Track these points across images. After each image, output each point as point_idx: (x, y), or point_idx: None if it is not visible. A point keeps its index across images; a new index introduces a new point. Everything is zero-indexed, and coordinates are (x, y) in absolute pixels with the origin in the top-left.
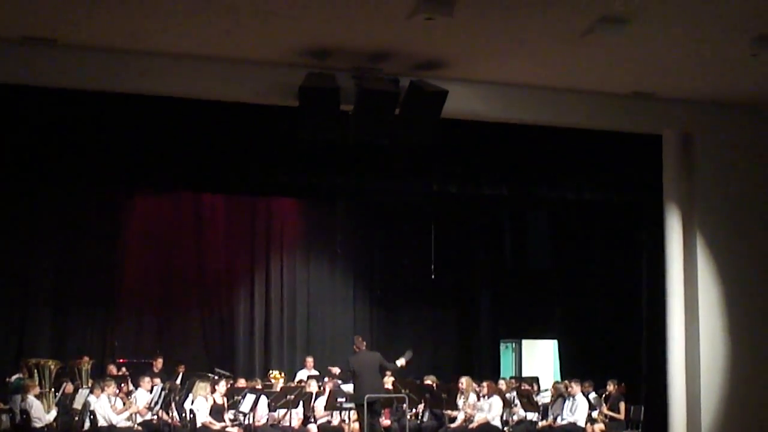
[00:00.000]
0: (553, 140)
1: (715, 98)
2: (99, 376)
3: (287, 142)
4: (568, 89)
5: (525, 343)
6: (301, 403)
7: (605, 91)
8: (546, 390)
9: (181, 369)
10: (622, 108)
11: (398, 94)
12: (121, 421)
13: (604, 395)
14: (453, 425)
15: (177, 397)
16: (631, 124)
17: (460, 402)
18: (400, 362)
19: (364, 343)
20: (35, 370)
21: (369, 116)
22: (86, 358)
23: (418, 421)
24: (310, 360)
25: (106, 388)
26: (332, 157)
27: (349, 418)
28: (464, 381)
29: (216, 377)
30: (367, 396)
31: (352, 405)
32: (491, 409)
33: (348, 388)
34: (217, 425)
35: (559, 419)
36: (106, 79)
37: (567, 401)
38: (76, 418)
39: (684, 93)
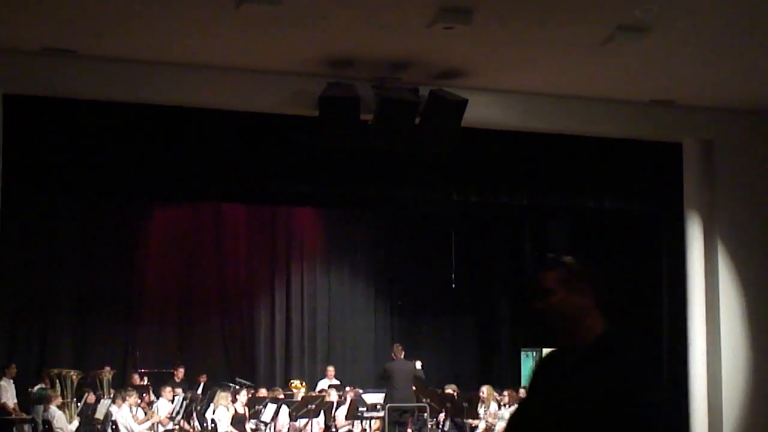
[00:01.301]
0: (573, 149)
1: (735, 105)
2: (120, 386)
3: (307, 151)
4: (587, 98)
5: (545, 351)
6: (322, 412)
7: (625, 100)
8: None
9: (203, 379)
10: (642, 116)
11: (418, 104)
12: (142, 431)
13: None
14: None
15: (198, 407)
16: (651, 132)
17: (481, 411)
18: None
19: (403, 351)
20: (57, 381)
21: (389, 125)
22: (108, 368)
23: (440, 430)
24: (331, 369)
25: (127, 398)
26: (352, 166)
27: (370, 427)
28: (485, 390)
29: (237, 387)
30: (388, 406)
31: (373, 414)
32: None
33: (369, 397)
34: None
35: None
36: (126, 90)
37: None
38: (98, 428)
39: (704, 100)
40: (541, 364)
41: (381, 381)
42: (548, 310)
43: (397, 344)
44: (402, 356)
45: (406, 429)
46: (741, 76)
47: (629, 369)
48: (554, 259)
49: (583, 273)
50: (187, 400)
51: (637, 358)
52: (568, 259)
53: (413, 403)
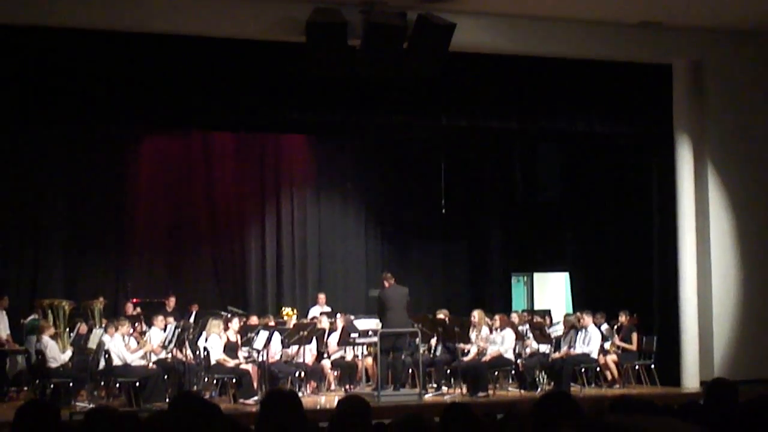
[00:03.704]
0: (563, 72)
1: (724, 26)
2: (113, 316)
3: (295, 78)
4: (576, 20)
5: (536, 276)
6: (314, 339)
7: (614, 21)
8: (558, 323)
9: (194, 308)
10: (631, 38)
11: (406, 28)
12: (135, 359)
13: (616, 326)
14: (466, 358)
15: (191, 336)
16: (641, 54)
17: (472, 335)
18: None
19: (393, 278)
20: (49, 311)
21: (377, 51)
22: (100, 299)
23: (431, 355)
24: (322, 296)
25: (120, 327)
26: (341, 92)
27: (362, 354)
28: (476, 314)
29: (229, 315)
30: (381, 331)
31: (365, 340)
32: (504, 342)
33: (361, 324)
34: (231, 362)
35: (571, 351)
36: (113, 18)
37: (579, 333)
38: (91, 358)
39: (693, 21)
40: None
41: (378, 309)
42: None
43: (386, 272)
44: (393, 281)
45: (402, 353)
46: None
47: None
48: None
49: None
50: (179, 329)
51: None
52: None
53: (409, 327)
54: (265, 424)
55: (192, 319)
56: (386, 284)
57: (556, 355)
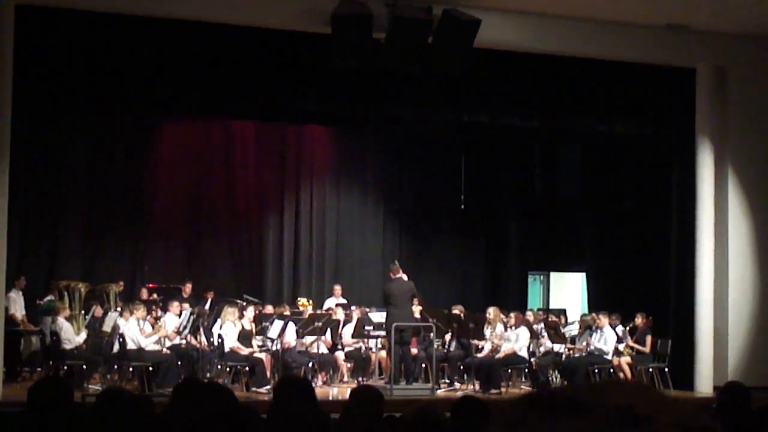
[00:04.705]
0: (586, 72)
1: (750, 31)
2: (128, 300)
3: (319, 69)
4: (602, 20)
5: (553, 275)
6: (328, 330)
7: (639, 23)
8: (573, 322)
9: (210, 295)
10: (656, 40)
11: (431, 22)
12: (149, 344)
13: (630, 328)
14: (480, 355)
15: (205, 323)
16: (665, 56)
17: (487, 332)
18: None
19: (400, 270)
20: (65, 293)
21: (401, 44)
22: (118, 282)
23: (445, 351)
24: (338, 288)
25: (135, 311)
26: (364, 84)
27: (377, 347)
28: (491, 311)
29: (244, 303)
30: (395, 324)
31: (379, 333)
32: (518, 340)
33: (375, 316)
34: (245, 350)
35: (587, 347)
36: (138, 3)
37: (595, 333)
38: (106, 341)
39: (719, 26)
40: None
41: (384, 301)
42: None
43: (394, 262)
44: (400, 274)
45: (410, 348)
46: (755, 1)
47: None
48: None
49: None
50: (195, 315)
51: None
52: None
53: (412, 321)
54: (278, 410)
55: (207, 306)
56: (392, 276)
57: (573, 347)
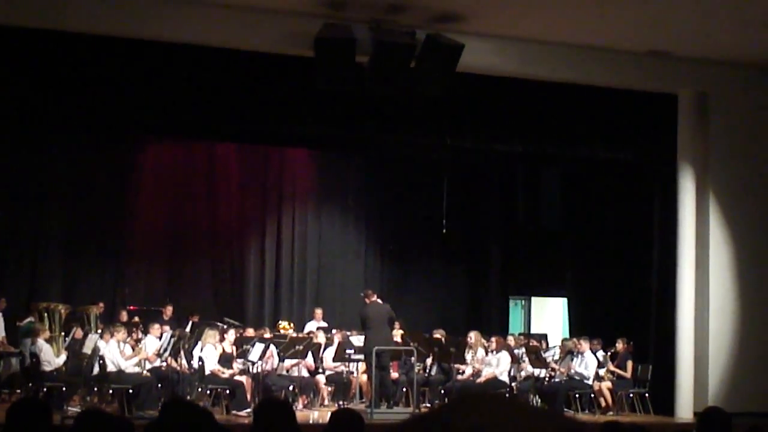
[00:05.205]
0: (569, 97)
1: (731, 58)
2: (109, 322)
3: (302, 92)
4: (585, 46)
5: (534, 300)
6: (310, 353)
7: (622, 49)
8: (554, 347)
9: (195, 318)
10: (638, 66)
11: (414, 47)
12: (129, 366)
13: (611, 353)
14: (461, 378)
15: (186, 345)
16: (647, 83)
17: (468, 356)
18: None
19: (375, 294)
20: (45, 314)
21: (384, 68)
22: (98, 304)
23: (426, 375)
24: (319, 311)
25: (115, 333)
26: (347, 108)
27: (357, 370)
28: (473, 335)
29: (225, 326)
30: (376, 348)
31: (361, 357)
32: (499, 364)
33: (356, 340)
34: (226, 373)
35: (568, 371)
36: (119, 25)
37: (576, 358)
38: (85, 363)
39: (700, 52)
40: None
41: (361, 326)
42: None
43: (367, 288)
44: (375, 298)
45: (389, 372)
46: (737, 28)
47: None
48: None
49: None
50: (175, 338)
51: None
52: None
53: (390, 345)
54: None
55: (189, 329)
56: (367, 301)
57: (555, 368)
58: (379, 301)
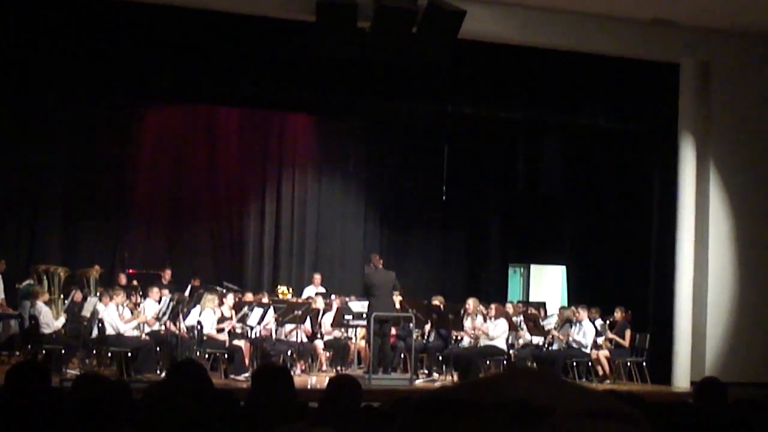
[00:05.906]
0: (571, 65)
1: (734, 27)
2: (108, 286)
3: (303, 57)
4: (586, 14)
5: (533, 268)
6: (308, 318)
7: (624, 17)
8: (552, 315)
9: (196, 282)
10: (641, 35)
11: (416, 13)
12: (128, 330)
13: (609, 322)
14: (458, 345)
15: (185, 309)
16: (650, 51)
17: (466, 323)
18: None
19: (381, 261)
20: (45, 277)
21: (386, 34)
22: (97, 267)
23: (424, 341)
24: (317, 277)
25: (114, 296)
26: (347, 73)
27: (356, 336)
28: (471, 302)
29: (224, 291)
30: (375, 314)
31: (359, 322)
32: (495, 330)
33: (355, 306)
34: (223, 337)
35: (567, 338)
36: None
37: (574, 327)
38: (84, 325)
39: (704, 21)
40: None
41: (364, 291)
42: None
43: (374, 254)
44: (381, 265)
45: (389, 340)
46: None
47: None
48: None
49: None
50: (174, 302)
51: None
52: None
53: (393, 312)
54: (256, 398)
55: (188, 293)
56: (372, 266)
57: (554, 334)
58: (383, 268)
